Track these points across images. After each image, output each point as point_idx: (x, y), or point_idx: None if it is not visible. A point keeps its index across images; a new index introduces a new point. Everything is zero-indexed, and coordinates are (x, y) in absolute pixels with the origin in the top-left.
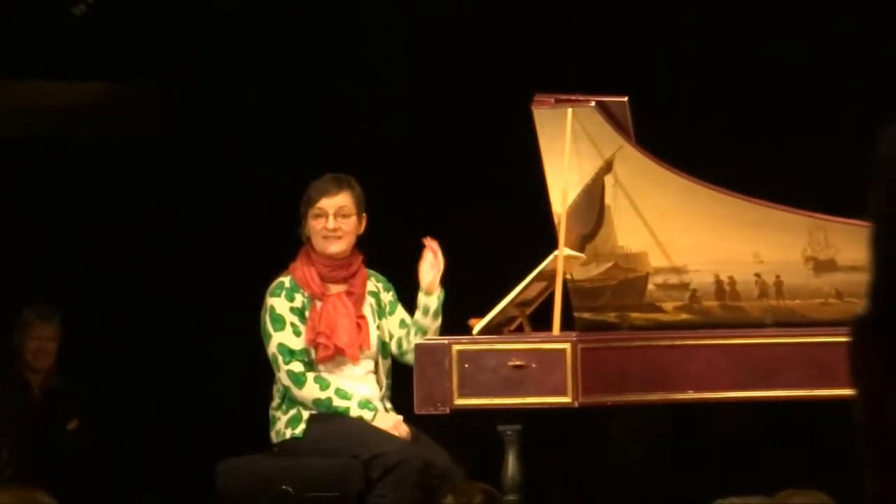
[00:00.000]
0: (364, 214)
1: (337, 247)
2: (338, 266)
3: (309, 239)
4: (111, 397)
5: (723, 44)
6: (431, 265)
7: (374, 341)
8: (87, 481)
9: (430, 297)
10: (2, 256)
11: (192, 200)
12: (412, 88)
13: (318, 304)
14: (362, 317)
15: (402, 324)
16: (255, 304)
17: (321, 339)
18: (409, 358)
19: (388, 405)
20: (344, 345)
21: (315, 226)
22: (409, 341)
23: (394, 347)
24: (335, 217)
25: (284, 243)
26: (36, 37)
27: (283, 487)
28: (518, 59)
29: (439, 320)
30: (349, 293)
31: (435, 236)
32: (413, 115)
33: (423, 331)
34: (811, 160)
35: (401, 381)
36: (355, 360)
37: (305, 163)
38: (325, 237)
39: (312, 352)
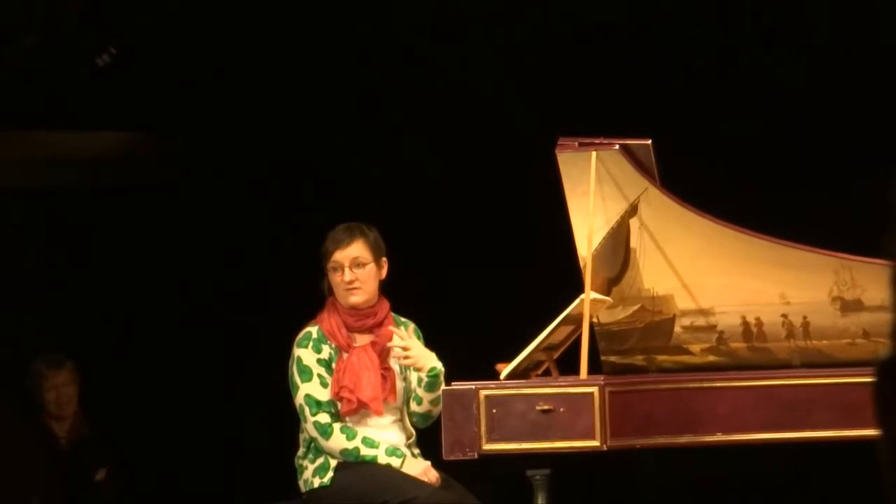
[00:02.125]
0: (384, 259)
1: (357, 297)
2: (363, 316)
3: (332, 291)
4: (137, 447)
5: (747, 85)
6: (398, 356)
7: (399, 392)
8: None
9: (420, 373)
10: (24, 305)
11: (217, 247)
12: (437, 132)
13: (345, 356)
14: (388, 368)
15: (419, 381)
16: (283, 352)
17: (345, 394)
18: (414, 421)
19: (417, 451)
20: (368, 399)
21: (334, 279)
22: (409, 405)
23: (410, 403)
24: (351, 268)
25: (311, 291)
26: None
27: None
28: (542, 102)
29: (433, 394)
30: (374, 344)
31: (460, 280)
32: (436, 159)
33: (418, 400)
34: (836, 200)
35: (429, 427)
36: (379, 413)
37: (330, 209)
38: (346, 290)
39: (339, 403)
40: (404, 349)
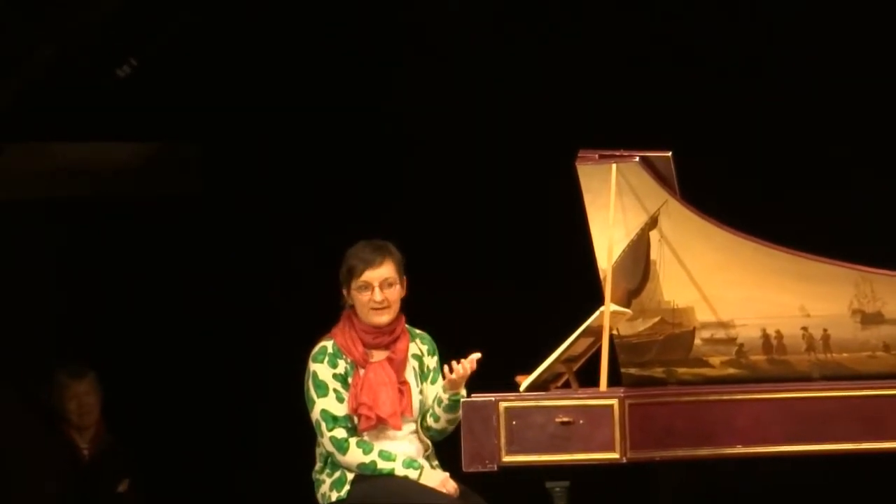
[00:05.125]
0: (405, 278)
1: (386, 317)
2: (381, 333)
3: (352, 306)
4: (158, 458)
5: (768, 97)
6: (459, 376)
7: (416, 406)
8: None
9: (445, 394)
10: (42, 317)
11: (236, 258)
12: (458, 144)
13: (361, 371)
14: (405, 382)
15: (438, 401)
16: (299, 365)
17: (363, 410)
18: (429, 435)
19: (435, 462)
20: (387, 415)
21: (361, 298)
22: (425, 419)
23: (427, 418)
24: (381, 289)
25: (327, 303)
26: (76, 99)
27: None
28: (562, 115)
29: (452, 416)
30: (391, 360)
31: (481, 293)
32: (457, 172)
33: (436, 417)
34: (856, 212)
35: (448, 439)
36: (398, 428)
37: (345, 221)
38: (374, 309)
39: (356, 418)
40: (461, 375)
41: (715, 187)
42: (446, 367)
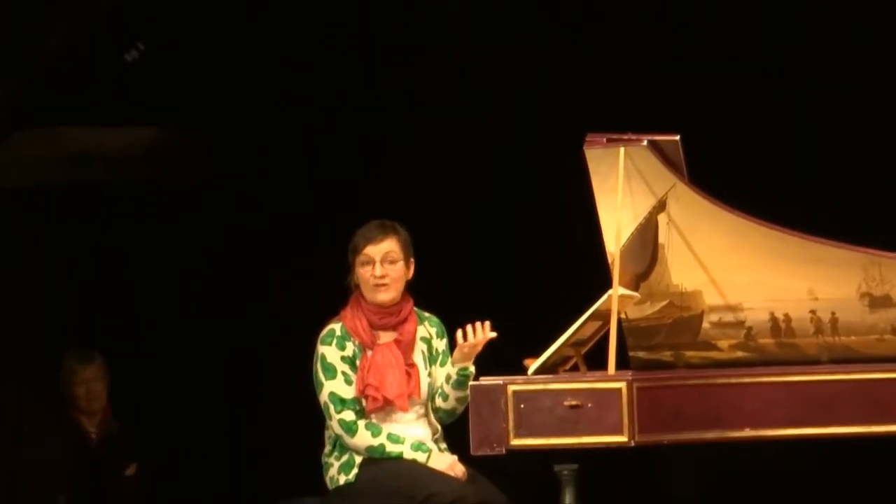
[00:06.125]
0: (412, 259)
1: (386, 295)
2: (387, 314)
3: (358, 287)
4: (166, 443)
5: (776, 79)
6: (470, 347)
7: (424, 388)
8: None
9: (454, 368)
10: (52, 303)
11: (245, 242)
12: (467, 128)
13: (369, 353)
14: (412, 365)
15: (447, 378)
16: (307, 348)
17: (370, 392)
18: (438, 416)
19: (444, 445)
20: (393, 396)
21: (363, 274)
22: (435, 400)
23: (436, 399)
24: (382, 264)
25: (335, 286)
26: (85, 84)
27: None
28: (570, 98)
29: (461, 393)
30: (398, 342)
31: (489, 276)
32: (467, 155)
33: (444, 396)
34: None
35: (456, 422)
36: (405, 410)
37: (354, 206)
38: (375, 286)
39: (364, 400)
40: (472, 344)
41: (723, 171)
42: (459, 333)
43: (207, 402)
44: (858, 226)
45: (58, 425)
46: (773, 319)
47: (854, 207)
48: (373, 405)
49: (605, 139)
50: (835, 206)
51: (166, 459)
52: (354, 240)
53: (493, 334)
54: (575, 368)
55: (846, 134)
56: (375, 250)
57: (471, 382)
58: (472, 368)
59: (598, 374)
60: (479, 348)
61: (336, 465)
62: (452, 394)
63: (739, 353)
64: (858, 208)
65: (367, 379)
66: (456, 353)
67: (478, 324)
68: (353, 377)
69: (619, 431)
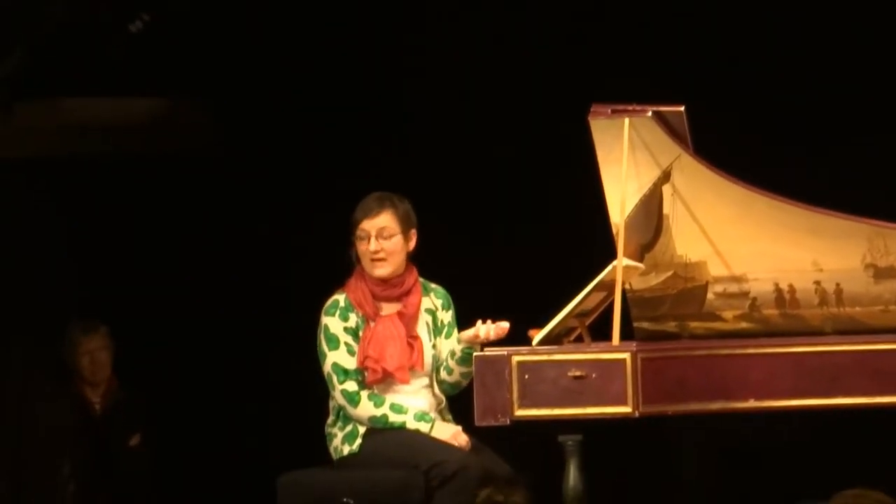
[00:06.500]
0: (413, 231)
1: (382, 270)
2: (390, 285)
3: (359, 259)
4: (168, 414)
5: (782, 50)
6: (485, 332)
7: (428, 360)
8: (149, 496)
9: (459, 346)
10: (55, 274)
11: (246, 216)
12: (472, 100)
13: (372, 324)
14: (415, 337)
15: (452, 353)
16: (312, 319)
17: (370, 364)
18: (443, 388)
19: (449, 417)
20: (393, 368)
21: (361, 248)
22: (440, 373)
23: (441, 371)
24: (377, 238)
25: (340, 258)
26: (88, 55)
27: (345, 500)
28: (574, 69)
29: (466, 369)
30: (401, 314)
31: (494, 248)
32: (472, 126)
33: (449, 370)
34: (870, 166)
35: (461, 393)
36: (405, 382)
37: (361, 177)
38: (372, 260)
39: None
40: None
41: (728, 142)
42: (480, 326)
43: (211, 373)
44: (863, 196)
45: (62, 395)
46: (778, 290)
47: (860, 178)
48: (372, 377)
49: (609, 110)
50: (840, 176)
51: (170, 429)
52: (354, 213)
53: (506, 325)
54: (579, 339)
55: (853, 105)
56: (371, 225)
57: (475, 353)
58: (478, 347)
59: (602, 344)
60: (489, 341)
61: (340, 435)
62: (457, 369)
63: (744, 324)
64: (864, 179)
65: (367, 351)
66: (468, 336)
67: (491, 325)
68: (356, 348)
69: (623, 402)
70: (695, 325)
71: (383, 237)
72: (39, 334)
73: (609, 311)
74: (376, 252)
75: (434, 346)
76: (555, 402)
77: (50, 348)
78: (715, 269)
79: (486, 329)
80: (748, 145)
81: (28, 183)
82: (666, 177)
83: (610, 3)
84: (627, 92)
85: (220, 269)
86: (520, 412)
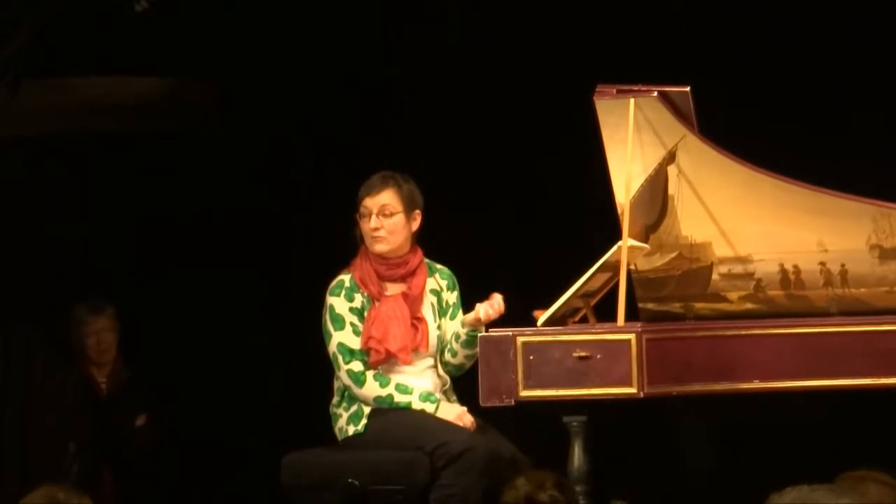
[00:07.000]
0: (417, 211)
1: (382, 246)
2: (394, 265)
3: (363, 238)
4: (174, 395)
5: (789, 30)
6: (484, 312)
7: (433, 341)
8: (154, 476)
9: (463, 329)
10: (61, 253)
11: (251, 196)
12: (475, 80)
13: (376, 304)
14: (420, 318)
15: (456, 336)
16: (317, 299)
17: (373, 344)
18: (447, 370)
19: (454, 397)
20: (396, 350)
21: (363, 226)
22: (444, 354)
23: (445, 353)
24: (377, 216)
25: (344, 239)
26: (94, 33)
27: (349, 480)
28: (580, 48)
29: (470, 351)
30: (406, 295)
31: (500, 229)
32: (478, 107)
33: (453, 352)
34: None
35: (466, 373)
36: (408, 363)
37: (366, 157)
38: (373, 237)
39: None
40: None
41: (733, 122)
42: (480, 308)
43: (218, 353)
44: (868, 178)
45: (68, 376)
46: (783, 271)
47: (865, 160)
48: (375, 357)
49: (615, 90)
50: (844, 158)
51: (176, 410)
52: (359, 191)
53: (499, 297)
54: (584, 320)
55: (858, 86)
56: (373, 202)
57: (480, 334)
58: (483, 329)
59: (607, 325)
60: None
61: (345, 415)
62: (461, 351)
63: (749, 305)
64: (869, 160)
65: (371, 331)
66: (471, 319)
67: (488, 303)
68: (362, 328)
69: (628, 383)
70: (700, 305)
71: (384, 214)
72: (45, 314)
73: (614, 291)
74: (376, 229)
75: (439, 327)
76: (559, 382)
77: (56, 328)
78: (720, 250)
79: (485, 308)
80: (753, 125)
81: (34, 162)
82: (671, 157)
83: None
84: (630, 72)
85: (224, 248)
86: (524, 393)
